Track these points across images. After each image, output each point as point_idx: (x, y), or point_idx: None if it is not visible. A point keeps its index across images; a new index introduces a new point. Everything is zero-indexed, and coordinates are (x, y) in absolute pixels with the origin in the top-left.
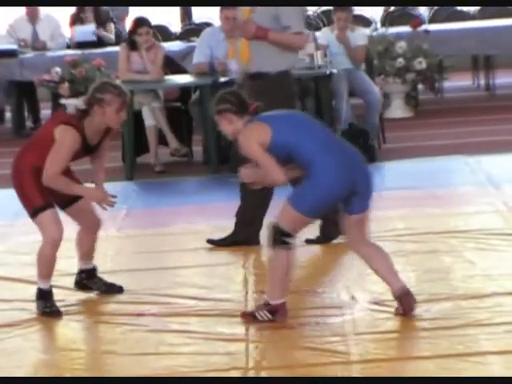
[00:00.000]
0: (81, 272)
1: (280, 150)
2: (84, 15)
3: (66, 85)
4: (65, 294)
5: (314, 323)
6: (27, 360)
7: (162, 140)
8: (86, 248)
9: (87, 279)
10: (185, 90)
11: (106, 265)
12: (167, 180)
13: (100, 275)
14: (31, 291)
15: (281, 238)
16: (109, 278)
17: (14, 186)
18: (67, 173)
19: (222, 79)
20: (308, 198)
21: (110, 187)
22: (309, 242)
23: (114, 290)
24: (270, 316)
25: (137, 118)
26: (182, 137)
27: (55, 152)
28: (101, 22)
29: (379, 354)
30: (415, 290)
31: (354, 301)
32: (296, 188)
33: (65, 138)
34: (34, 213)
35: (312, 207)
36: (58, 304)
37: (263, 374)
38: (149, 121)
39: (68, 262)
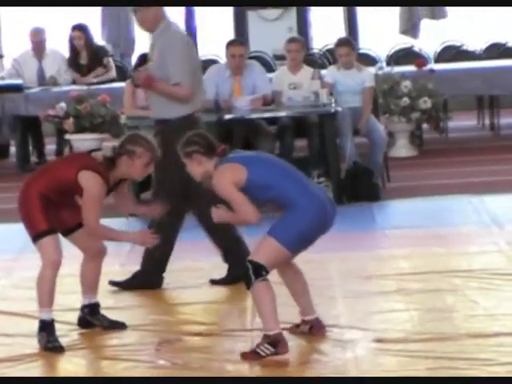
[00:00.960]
0: (84, 307)
1: (256, 190)
2: (80, 57)
3: (71, 120)
4: (68, 330)
5: (315, 360)
6: None
7: None
8: (90, 280)
9: (90, 315)
10: None
11: (108, 301)
12: None
13: (102, 311)
14: (34, 326)
15: (259, 272)
16: (111, 314)
17: (20, 211)
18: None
19: (227, 116)
20: (291, 231)
21: (115, 223)
22: (214, 282)
23: (117, 326)
24: (273, 349)
25: None
26: None
27: (88, 203)
28: (96, 62)
29: None
30: (418, 329)
31: (357, 338)
32: (278, 222)
33: (94, 188)
34: (36, 237)
35: (295, 240)
36: (61, 339)
37: None
38: None
39: (70, 298)
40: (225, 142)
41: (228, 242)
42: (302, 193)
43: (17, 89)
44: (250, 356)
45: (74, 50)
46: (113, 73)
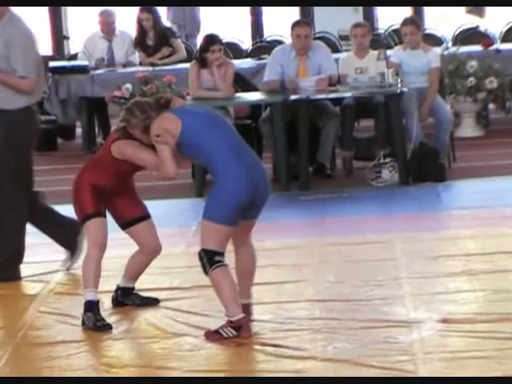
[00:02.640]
0: (118, 289)
1: (187, 148)
2: (147, 38)
3: None
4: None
5: (382, 341)
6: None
7: None
8: (135, 271)
9: (122, 296)
10: (255, 108)
11: (175, 281)
12: None
13: (170, 291)
14: (105, 305)
15: (213, 259)
16: (177, 294)
17: (72, 197)
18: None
19: (293, 97)
20: (223, 208)
21: (180, 204)
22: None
23: (149, 302)
24: (235, 332)
25: None
26: None
27: (136, 154)
28: (163, 43)
29: (448, 374)
30: (485, 310)
31: (422, 319)
32: (208, 202)
33: (126, 143)
34: (83, 220)
35: (229, 214)
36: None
37: None
38: None
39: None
40: (290, 122)
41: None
42: (226, 157)
43: (83, 70)
44: (213, 336)
45: (141, 31)
46: (183, 53)
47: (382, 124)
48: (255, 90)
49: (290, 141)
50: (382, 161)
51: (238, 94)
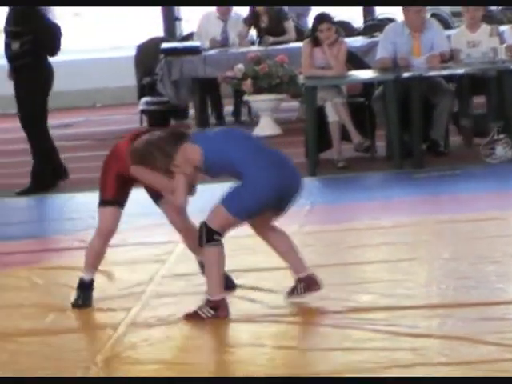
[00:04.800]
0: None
1: (211, 166)
2: (260, 20)
3: (249, 81)
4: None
5: (498, 318)
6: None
7: (345, 135)
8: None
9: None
10: (368, 86)
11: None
12: (350, 175)
13: (284, 271)
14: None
15: (212, 236)
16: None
17: (100, 177)
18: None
19: (405, 74)
20: (241, 203)
21: None
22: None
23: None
24: (213, 312)
25: (320, 113)
26: (364, 132)
27: (154, 180)
28: (277, 25)
29: None
30: None
31: None
32: (229, 191)
33: (144, 171)
34: (100, 203)
35: (245, 210)
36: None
37: (445, 369)
38: (332, 116)
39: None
40: (404, 100)
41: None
42: (253, 163)
43: (195, 51)
44: (192, 317)
45: (255, 13)
46: (291, 36)
47: (494, 100)
48: (367, 68)
49: (403, 118)
50: (495, 137)
51: (350, 73)
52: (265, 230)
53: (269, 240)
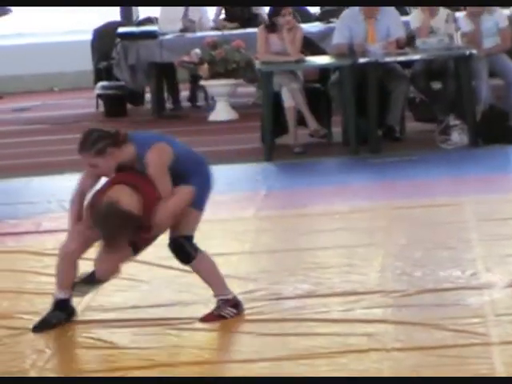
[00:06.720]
0: None
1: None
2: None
3: (206, 66)
4: None
5: (453, 304)
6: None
7: (301, 121)
8: None
9: None
10: (324, 71)
11: (244, 245)
12: (306, 161)
13: (239, 255)
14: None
15: (194, 245)
16: (247, 259)
17: None
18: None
19: (361, 60)
20: (200, 196)
21: (249, 168)
22: None
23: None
24: (236, 311)
25: (276, 98)
26: (321, 118)
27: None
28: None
29: None
30: None
31: (494, 282)
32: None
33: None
34: None
35: (203, 202)
36: None
37: (399, 355)
38: (288, 102)
39: None
40: (360, 86)
41: None
42: (197, 161)
43: (151, 35)
44: (215, 319)
45: None
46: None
47: (451, 86)
48: (324, 53)
49: (359, 104)
50: (451, 123)
51: (306, 58)
52: None
53: None
